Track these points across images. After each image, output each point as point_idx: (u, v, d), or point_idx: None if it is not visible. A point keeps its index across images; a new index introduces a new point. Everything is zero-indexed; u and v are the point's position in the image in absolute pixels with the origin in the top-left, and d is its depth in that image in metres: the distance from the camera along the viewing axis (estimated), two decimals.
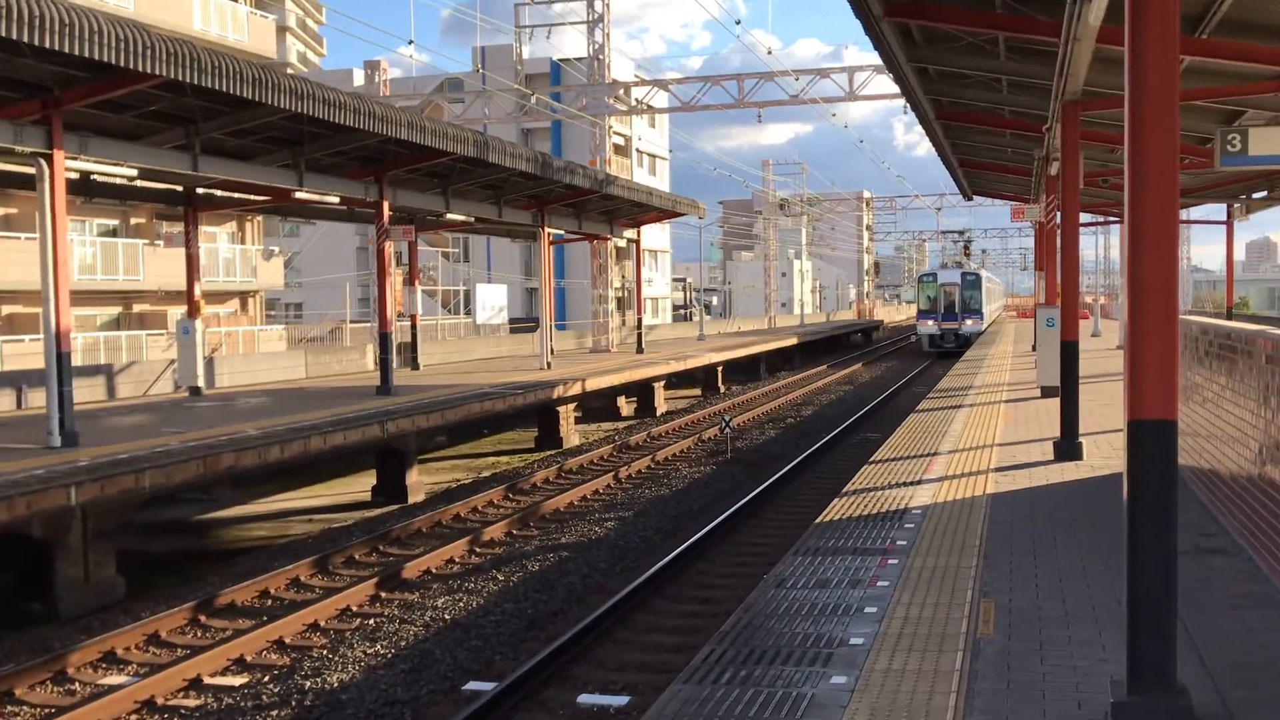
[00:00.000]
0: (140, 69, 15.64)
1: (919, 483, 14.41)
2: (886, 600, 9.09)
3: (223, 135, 20.99)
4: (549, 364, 33.88)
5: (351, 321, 46.52)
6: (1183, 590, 9.04)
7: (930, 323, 60.67)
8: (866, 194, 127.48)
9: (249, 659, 12.28)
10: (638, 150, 79.22)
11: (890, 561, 10.35)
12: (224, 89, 17.16)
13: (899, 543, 11.09)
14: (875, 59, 19.43)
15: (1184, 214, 46.09)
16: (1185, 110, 19.71)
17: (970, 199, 47.08)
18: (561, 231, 39.58)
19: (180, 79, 16.42)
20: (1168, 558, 6.23)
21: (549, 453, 27.95)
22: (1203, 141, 21.56)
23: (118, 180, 22.48)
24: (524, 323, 56.03)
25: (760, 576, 13.40)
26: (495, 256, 74.18)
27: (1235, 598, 8.92)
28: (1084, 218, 43.32)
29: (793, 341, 60.11)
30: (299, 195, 24.15)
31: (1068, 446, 16.00)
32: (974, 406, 23.42)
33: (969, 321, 59.13)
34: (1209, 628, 8.17)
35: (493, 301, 47.48)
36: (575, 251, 65.76)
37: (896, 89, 22.48)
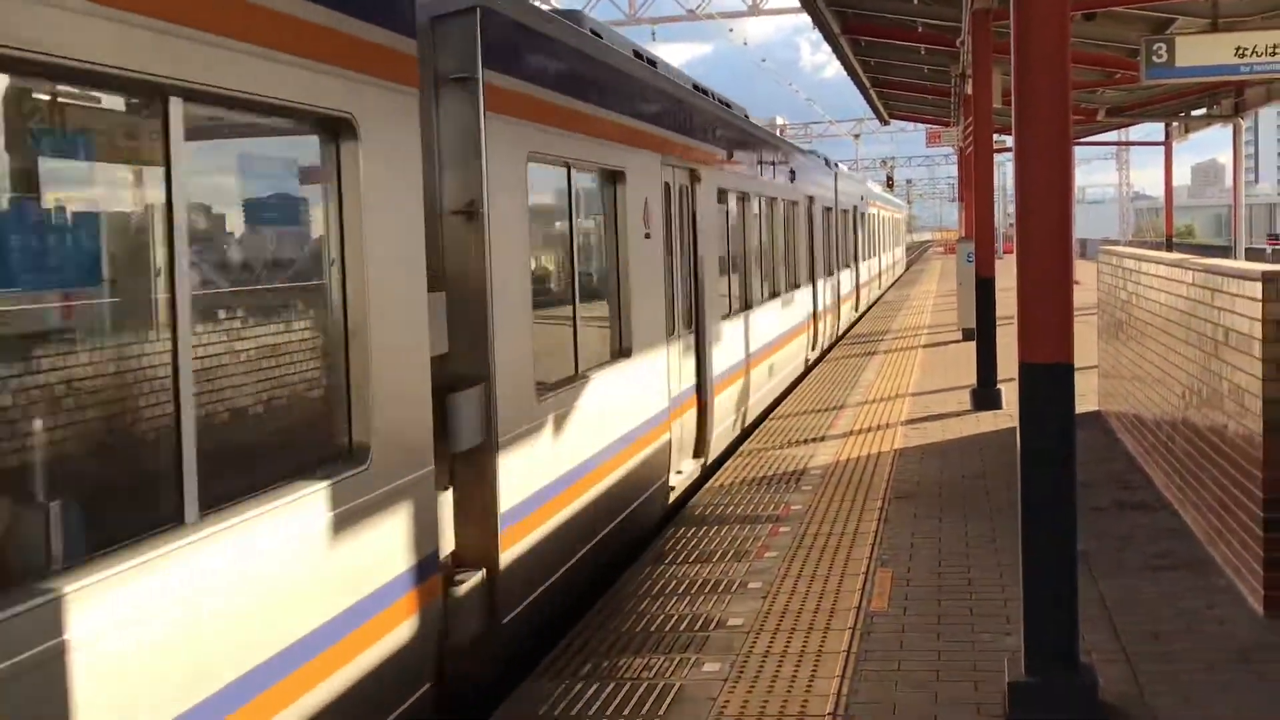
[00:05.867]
0: None
1: (822, 439, 14.35)
2: (773, 573, 8.97)
3: None
4: None
5: None
6: (1101, 551, 9.10)
7: None
8: (780, 120, 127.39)
9: None
10: None
11: (782, 529, 10.25)
12: None
13: (794, 508, 11.00)
14: None
15: (1120, 135, 46.77)
16: (1111, 19, 19.81)
17: (887, 123, 47.25)
18: None
19: None
20: (1065, 519, 6.14)
21: None
22: (1132, 54, 21.68)
23: None
24: None
25: None
26: None
27: (1155, 558, 8.93)
28: (1008, 141, 43.62)
29: None
30: None
31: (985, 395, 16.06)
32: (889, 353, 23.50)
33: None
34: (1126, 592, 8.16)
35: None
36: None
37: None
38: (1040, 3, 6.08)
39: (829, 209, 25.69)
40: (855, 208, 32.65)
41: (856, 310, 32.51)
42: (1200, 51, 15.30)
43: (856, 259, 32.47)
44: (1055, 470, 6.15)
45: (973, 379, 16.91)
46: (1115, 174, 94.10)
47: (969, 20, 16.73)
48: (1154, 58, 15.12)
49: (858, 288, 32.70)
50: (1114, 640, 7.28)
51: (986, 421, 15.13)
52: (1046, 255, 6.07)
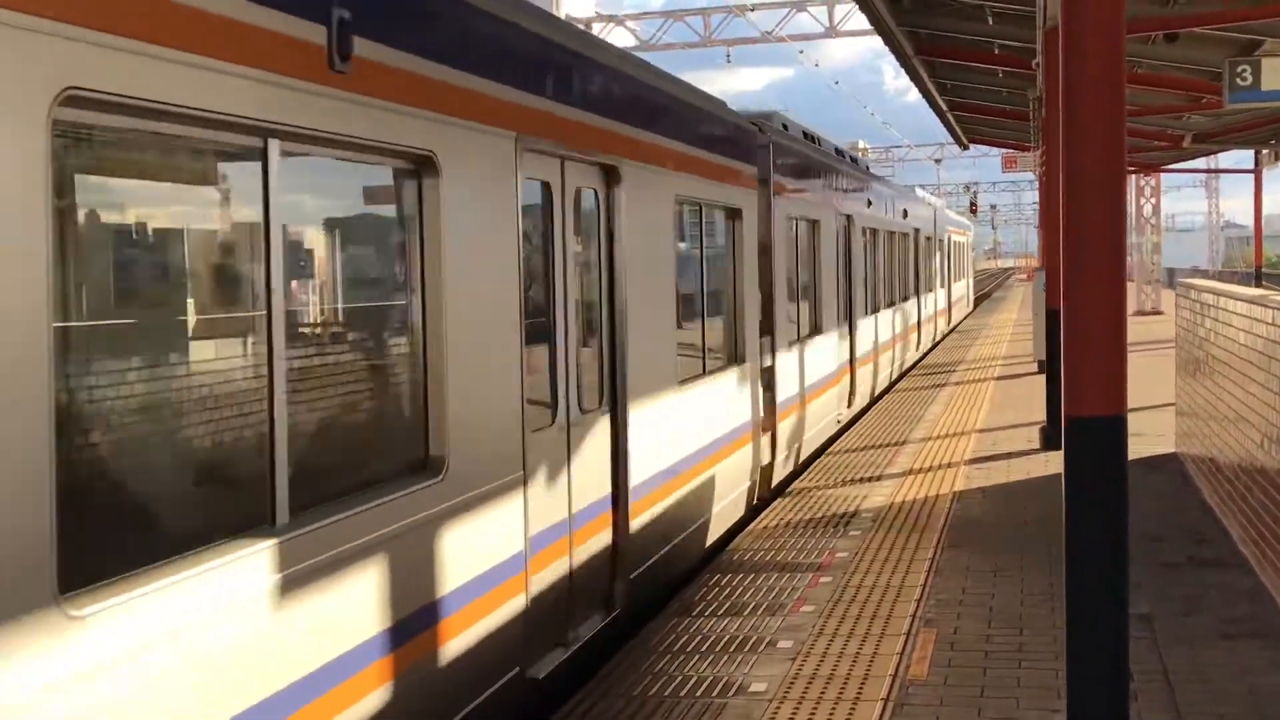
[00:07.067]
0: None
1: (878, 479, 13.64)
2: (807, 631, 8.29)
3: None
4: None
5: None
6: (1168, 614, 8.34)
7: None
8: (862, 144, 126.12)
9: None
10: None
11: (823, 579, 9.56)
12: None
13: (839, 554, 10.31)
14: None
15: (1207, 162, 45.53)
16: (1194, 40, 18.97)
17: (966, 147, 46.34)
18: None
19: None
20: (1115, 588, 5.44)
21: None
22: (1216, 77, 20.79)
23: None
24: None
25: None
26: None
27: (1228, 624, 8.15)
28: None
29: None
30: None
31: (1055, 433, 15.23)
32: (960, 385, 22.69)
33: None
34: (1192, 664, 7.40)
35: None
36: None
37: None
38: (1091, 13, 5.41)
39: (812, 223, 15.65)
40: (854, 222, 19.27)
41: (851, 402, 18.61)
42: None
43: (852, 326, 18.72)
44: (1105, 536, 5.48)
45: (1045, 414, 16.12)
46: (1205, 202, 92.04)
47: (1042, 40, 15.99)
48: (1238, 80, 14.32)
49: (851, 379, 18.52)
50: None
51: (1055, 462, 14.29)
52: (1096, 294, 5.39)
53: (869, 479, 13.64)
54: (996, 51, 23.52)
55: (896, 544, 10.62)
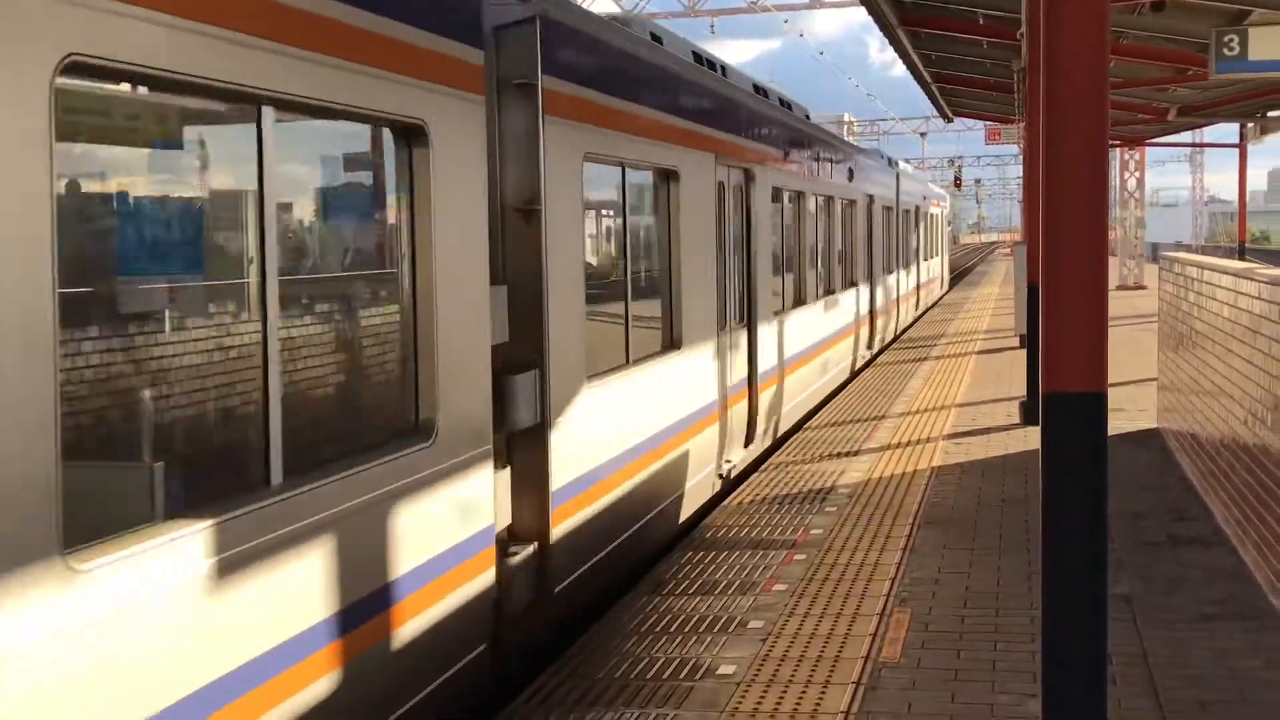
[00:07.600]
0: None
1: (855, 454, 13.44)
2: (779, 610, 8.08)
3: None
4: None
5: None
6: (1148, 594, 8.17)
7: None
8: (848, 117, 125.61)
9: None
10: None
11: (797, 557, 9.36)
12: None
13: (813, 532, 10.11)
14: None
15: (1193, 136, 45.35)
16: (1182, 9, 18.70)
17: (950, 120, 45.98)
18: None
19: None
20: (1093, 568, 5.23)
21: None
22: (1203, 48, 20.53)
23: None
24: None
25: None
26: None
27: (1209, 605, 7.97)
28: None
29: None
30: None
31: (1035, 407, 15.02)
32: (941, 359, 22.50)
33: None
34: (1173, 647, 7.21)
35: None
36: None
37: None
38: None
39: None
40: (756, 181, 13.46)
41: (750, 440, 13.23)
42: (1276, 44, 14.23)
43: (753, 332, 13.29)
44: (1084, 515, 5.25)
45: (1024, 389, 15.95)
46: (1189, 176, 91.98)
47: (1026, 9, 15.73)
48: (1224, 50, 14.09)
49: (750, 410, 13.14)
50: (1154, 707, 6.35)
51: (1034, 437, 14.07)
52: (1076, 270, 5.17)
53: (846, 454, 13.44)
54: (981, 21, 23.20)
55: (872, 521, 10.42)
